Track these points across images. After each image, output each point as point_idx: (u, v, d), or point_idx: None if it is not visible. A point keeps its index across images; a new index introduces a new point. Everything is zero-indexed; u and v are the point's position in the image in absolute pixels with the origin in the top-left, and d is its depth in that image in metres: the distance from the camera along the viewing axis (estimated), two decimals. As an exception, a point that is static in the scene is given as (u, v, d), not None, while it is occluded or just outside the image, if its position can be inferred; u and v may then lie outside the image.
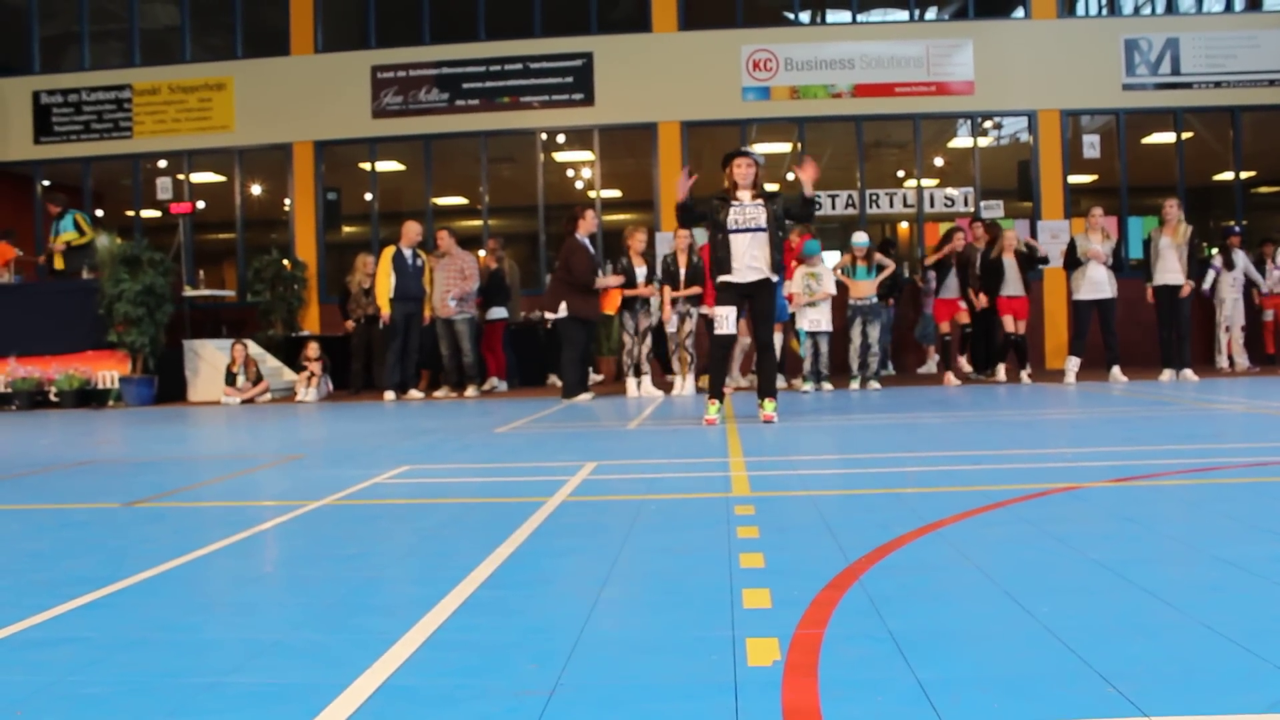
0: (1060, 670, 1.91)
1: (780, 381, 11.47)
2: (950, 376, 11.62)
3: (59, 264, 13.61)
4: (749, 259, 7.32)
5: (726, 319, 7.40)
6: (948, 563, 2.88)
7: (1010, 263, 11.51)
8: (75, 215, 13.75)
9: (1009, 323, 11.53)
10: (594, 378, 12.81)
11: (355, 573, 2.97)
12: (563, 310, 10.61)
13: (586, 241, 10.90)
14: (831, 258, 12.65)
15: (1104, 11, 16.15)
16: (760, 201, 7.38)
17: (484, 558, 3.04)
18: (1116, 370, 11.32)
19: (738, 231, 7.33)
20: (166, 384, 13.05)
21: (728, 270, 7.37)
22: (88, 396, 12.86)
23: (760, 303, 7.44)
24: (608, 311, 11.17)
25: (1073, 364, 11.50)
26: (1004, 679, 1.87)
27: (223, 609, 2.65)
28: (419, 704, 1.83)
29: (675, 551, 3.13)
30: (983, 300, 11.52)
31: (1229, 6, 15.38)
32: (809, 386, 11.25)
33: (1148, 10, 15.90)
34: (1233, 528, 3.29)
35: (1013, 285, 11.50)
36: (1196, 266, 11.33)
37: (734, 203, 7.39)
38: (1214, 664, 1.92)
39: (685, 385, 11.18)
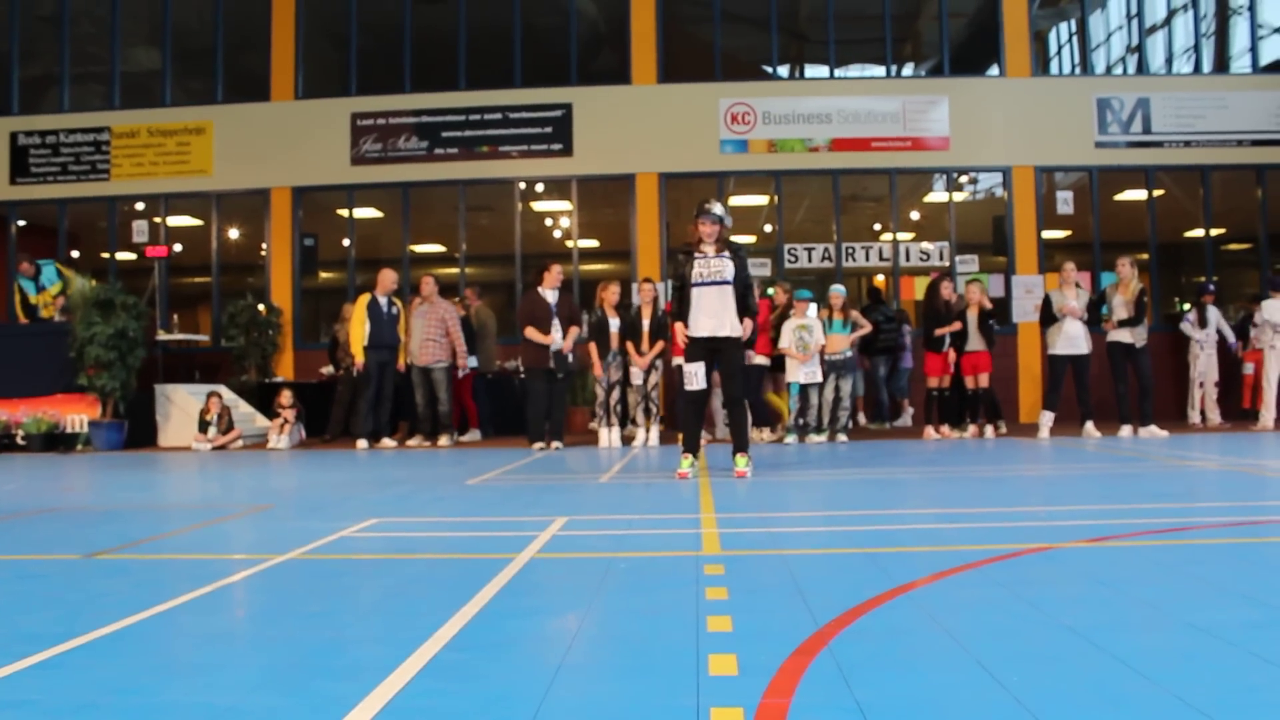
0: (1030, 745, 1.87)
1: (765, 433, 11.47)
2: (930, 431, 11.63)
3: (48, 314, 13.49)
4: (714, 312, 7.31)
5: (696, 375, 7.37)
6: (918, 627, 2.84)
7: (971, 318, 11.57)
8: (56, 265, 13.68)
9: (969, 380, 11.58)
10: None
11: (317, 633, 2.91)
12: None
13: (548, 294, 11.00)
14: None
15: (1077, 70, 16.40)
16: (726, 254, 7.38)
17: (448, 617, 2.98)
18: (1090, 425, 11.37)
19: (703, 285, 7.33)
20: (137, 429, 12.90)
21: (690, 325, 7.36)
22: (56, 440, 12.69)
23: (727, 358, 7.42)
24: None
25: (1046, 419, 11.55)
26: (972, 754, 1.84)
27: (179, 670, 2.58)
28: (373, 778, 1.78)
29: (642, 613, 3.08)
30: (951, 356, 11.56)
31: (1198, 68, 15.65)
32: (792, 439, 11.24)
33: (1119, 70, 16.17)
34: (1205, 591, 3.27)
35: (974, 340, 11.55)
36: (1139, 315, 11.37)
37: (698, 255, 7.39)
38: (1185, 740, 1.89)
39: (650, 436, 11.17)
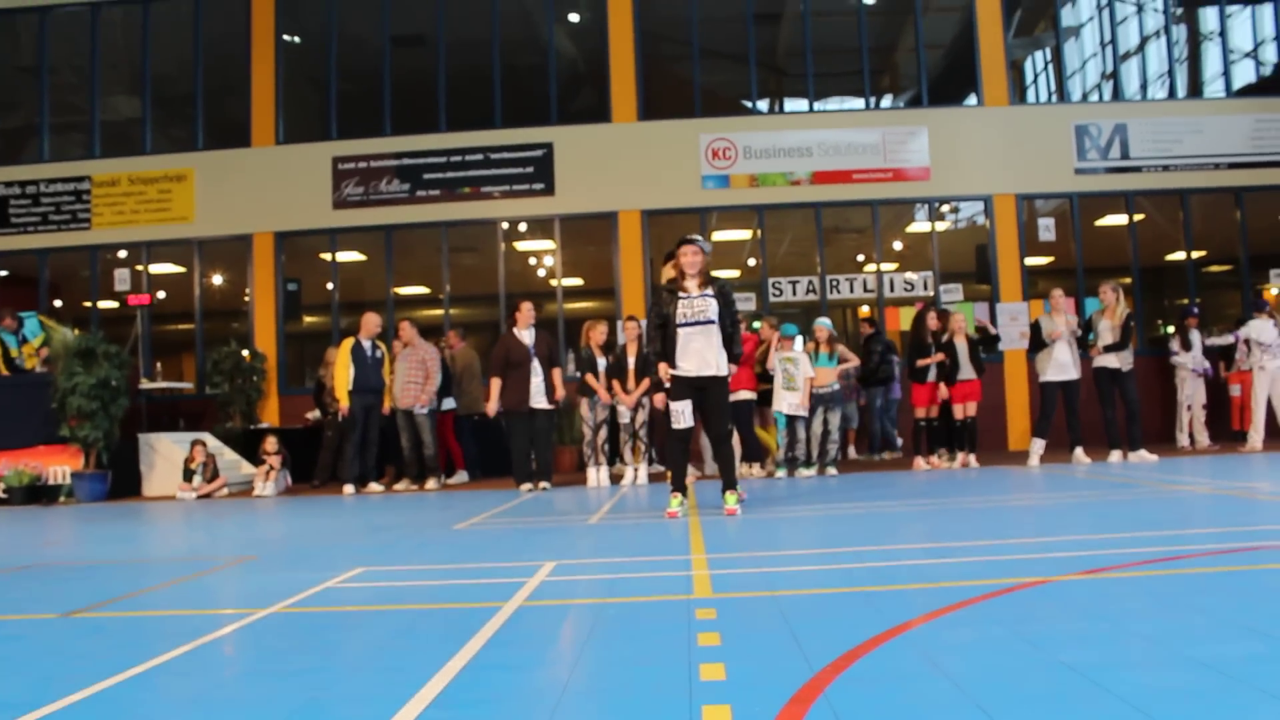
0: (1036, 798, 1.80)
1: (755, 468, 11.41)
2: (920, 461, 11.58)
3: (31, 364, 13.39)
4: (698, 352, 7.25)
5: (682, 414, 7.32)
6: (916, 671, 2.77)
7: (961, 346, 11.55)
8: (39, 318, 13.59)
9: (958, 409, 11.56)
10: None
11: (299, 692, 2.83)
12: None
13: (524, 335, 10.94)
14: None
15: (1054, 99, 16.52)
16: (709, 292, 7.33)
17: (434, 673, 2.90)
18: (1079, 452, 11.34)
19: (687, 325, 7.27)
20: (121, 478, 12.76)
21: (674, 365, 7.31)
22: (38, 493, 12.53)
23: (712, 397, 7.36)
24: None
25: (1037, 446, 11.51)
26: (977, 810, 1.77)
27: (153, 738, 2.49)
28: None
29: (633, 663, 3.01)
30: (943, 391, 11.52)
31: (1172, 93, 15.77)
32: (782, 473, 11.19)
33: (1095, 97, 16.29)
34: (1206, 624, 3.21)
35: (964, 370, 11.53)
36: (1124, 340, 11.36)
37: (681, 295, 7.34)
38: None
39: (639, 474, 11.09)
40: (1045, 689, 2.52)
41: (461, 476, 12.70)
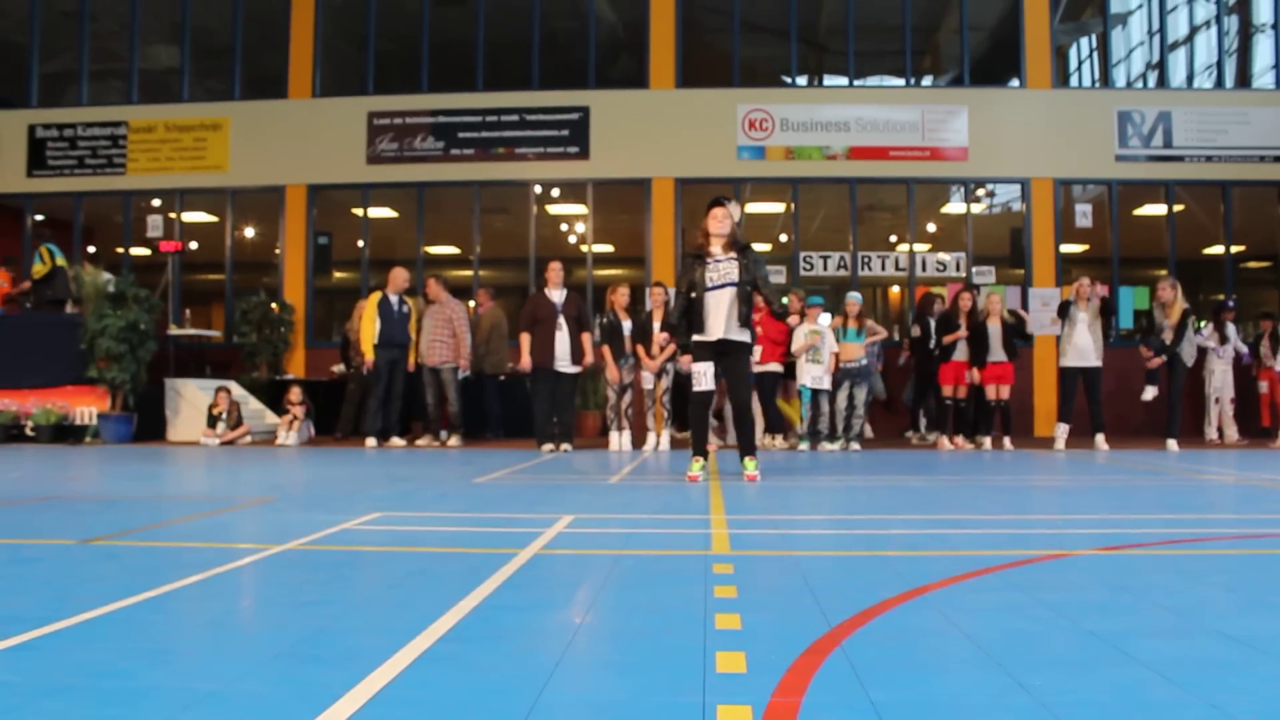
0: (1056, 750, 1.76)
1: (778, 440, 11.36)
2: (944, 441, 11.49)
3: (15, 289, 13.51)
4: (721, 316, 7.19)
5: (705, 375, 7.27)
6: (935, 630, 2.72)
7: (995, 329, 11.42)
8: (42, 248, 13.62)
9: (991, 390, 11.43)
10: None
11: (309, 621, 2.81)
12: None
13: (553, 294, 10.89)
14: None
15: (1097, 84, 16.25)
16: (733, 255, 7.27)
17: (447, 609, 2.88)
18: (1100, 439, 11.22)
19: (714, 289, 7.21)
20: (146, 422, 12.85)
21: (701, 329, 7.25)
22: (65, 432, 12.64)
23: (734, 362, 7.31)
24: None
25: (1061, 430, 11.41)
26: (995, 758, 1.72)
27: (162, 656, 2.47)
28: (355, 767, 1.67)
29: (648, 610, 2.97)
30: (976, 375, 11.38)
31: (1220, 83, 15.48)
32: (805, 445, 11.14)
33: (1140, 84, 16.02)
34: (1234, 600, 3.14)
35: (996, 352, 11.40)
36: (1180, 338, 11.27)
37: (709, 259, 7.29)
38: (1222, 748, 1.77)
39: (661, 440, 11.06)
40: (1067, 653, 2.47)
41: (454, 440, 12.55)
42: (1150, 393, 11.40)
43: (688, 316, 7.33)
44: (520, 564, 3.67)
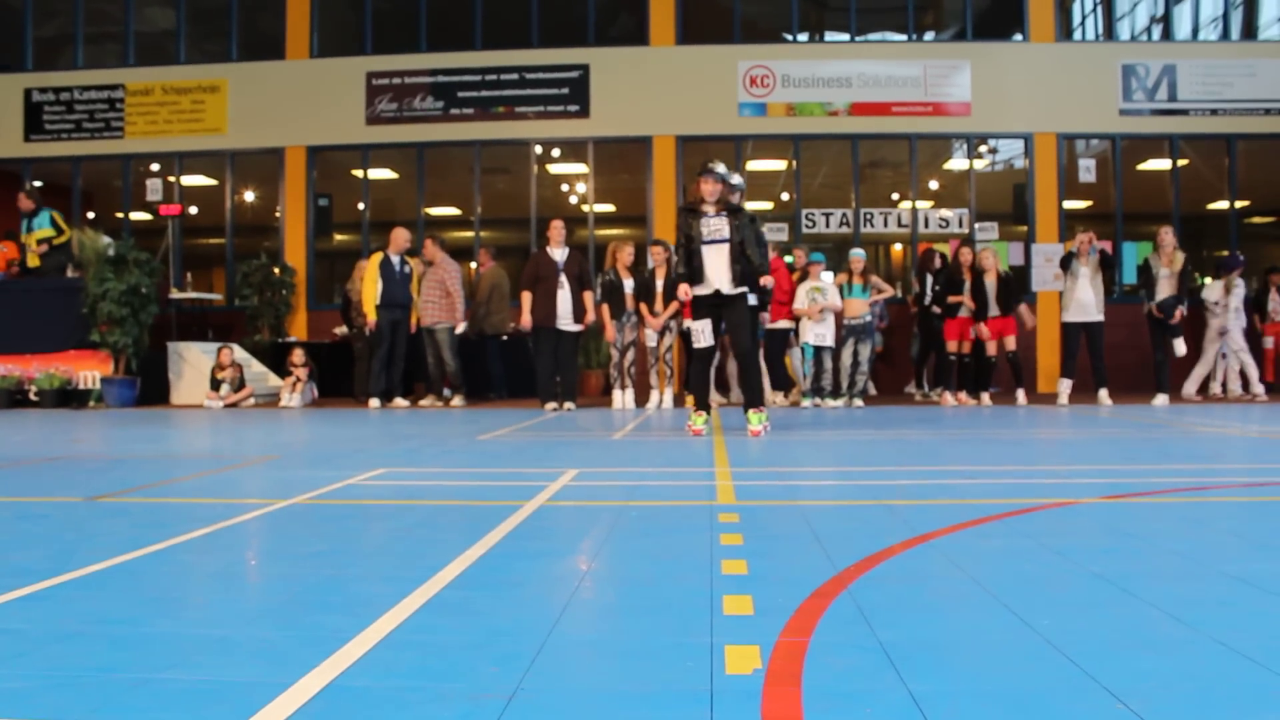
0: (1065, 685, 1.76)
1: (779, 396, 11.36)
2: (948, 397, 11.49)
3: (33, 262, 13.32)
4: (715, 270, 7.23)
5: (703, 332, 7.28)
6: (941, 574, 2.73)
7: (990, 284, 11.38)
8: (52, 214, 13.51)
9: (992, 346, 11.39)
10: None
11: (316, 570, 2.82)
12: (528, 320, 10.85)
13: (555, 253, 10.87)
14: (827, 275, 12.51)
15: (1101, 37, 16.11)
16: (724, 214, 7.28)
17: (453, 558, 2.88)
18: (1103, 393, 11.21)
19: (705, 244, 7.24)
20: (149, 386, 12.86)
21: (699, 281, 7.25)
22: (68, 396, 12.65)
23: (733, 313, 7.32)
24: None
25: (1065, 386, 11.41)
26: (1004, 693, 1.73)
27: (170, 604, 2.48)
28: (366, 706, 1.68)
29: (654, 556, 2.98)
30: (985, 331, 11.31)
31: (1225, 35, 15.33)
32: (809, 402, 11.15)
33: (1145, 37, 15.86)
34: (1238, 545, 3.15)
35: (991, 308, 11.36)
36: (1182, 291, 11.27)
37: (702, 214, 7.29)
38: (1231, 681, 1.78)
39: (665, 399, 11.07)
40: (1074, 595, 2.47)
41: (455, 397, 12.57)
42: (1180, 347, 11.34)
43: (689, 265, 7.34)
44: (526, 515, 3.68)
